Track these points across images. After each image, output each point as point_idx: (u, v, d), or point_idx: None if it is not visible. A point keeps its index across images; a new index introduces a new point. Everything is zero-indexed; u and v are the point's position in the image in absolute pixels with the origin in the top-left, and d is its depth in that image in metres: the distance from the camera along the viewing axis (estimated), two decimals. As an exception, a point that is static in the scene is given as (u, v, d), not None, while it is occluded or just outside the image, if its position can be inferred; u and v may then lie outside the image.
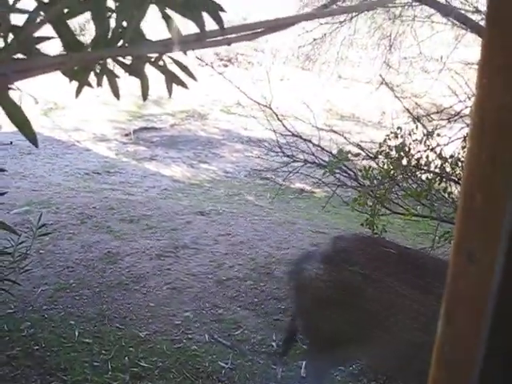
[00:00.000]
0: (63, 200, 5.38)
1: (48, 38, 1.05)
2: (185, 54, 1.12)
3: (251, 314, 3.71)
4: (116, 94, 1.16)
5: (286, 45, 15.53)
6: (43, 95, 11.53)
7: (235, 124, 11.42)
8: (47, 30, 1.03)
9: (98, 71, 1.07)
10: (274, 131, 4.75)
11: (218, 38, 1.03)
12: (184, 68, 1.14)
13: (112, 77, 1.11)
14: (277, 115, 4.81)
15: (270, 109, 4.58)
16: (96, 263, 4.28)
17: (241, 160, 8.93)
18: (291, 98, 10.88)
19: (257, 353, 3.35)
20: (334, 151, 4.41)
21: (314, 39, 7.96)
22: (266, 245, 4.75)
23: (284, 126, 4.76)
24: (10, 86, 1.03)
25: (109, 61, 1.12)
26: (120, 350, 3.27)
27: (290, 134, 4.80)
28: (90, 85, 1.14)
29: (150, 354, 3.25)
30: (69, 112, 11.36)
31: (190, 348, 3.33)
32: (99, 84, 1.12)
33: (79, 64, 1.04)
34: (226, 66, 15.70)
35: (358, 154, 3.83)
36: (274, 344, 3.42)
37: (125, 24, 1.06)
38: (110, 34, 1.06)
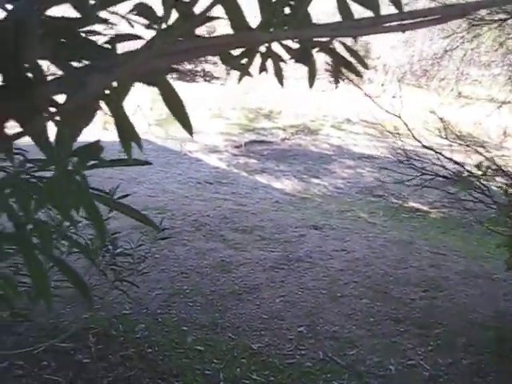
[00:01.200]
0: (178, 207, 5.44)
1: (217, 18, 0.97)
2: (355, 40, 1.01)
3: (367, 333, 3.54)
4: (280, 79, 1.07)
5: (398, 61, 15.23)
6: (158, 106, 11.90)
7: (346, 140, 11.29)
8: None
9: (262, 53, 0.98)
10: (402, 147, 4.53)
11: (393, 24, 0.90)
12: (355, 54, 1.03)
13: (277, 60, 1.02)
14: (392, 132, 4.62)
15: (382, 125, 4.38)
16: (209, 271, 4.27)
17: (352, 176, 8.75)
18: (404, 115, 10.62)
19: (373, 375, 3.17)
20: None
21: (435, 54, 7.68)
22: (383, 263, 4.56)
23: (400, 140, 4.55)
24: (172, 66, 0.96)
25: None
26: (232, 360, 3.19)
27: (402, 152, 4.58)
28: (249, 74, 1.06)
29: (262, 367, 3.16)
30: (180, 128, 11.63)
31: (303, 364, 3.20)
32: (263, 69, 1.03)
33: (246, 45, 0.96)
34: (337, 81, 15.59)
35: (497, 170, 3.56)
36: (391, 368, 3.23)
37: (287, 9, 0.97)
38: (275, 17, 0.96)
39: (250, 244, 4.84)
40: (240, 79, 1.05)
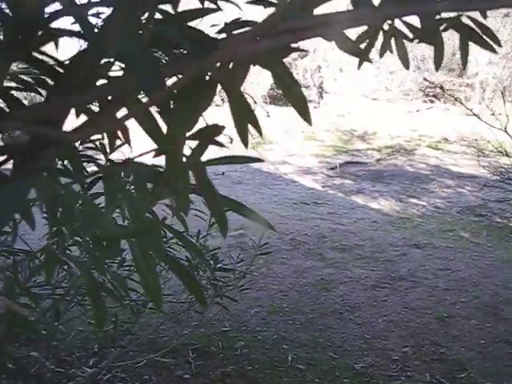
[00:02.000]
0: (275, 226, 5.39)
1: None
2: (484, 16, 0.93)
3: (477, 356, 3.33)
4: (405, 62, 1.00)
5: (496, 78, 14.68)
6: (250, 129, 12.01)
7: (444, 160, 10.94)
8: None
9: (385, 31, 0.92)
10: (505, 165, 4.31)
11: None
12: (486, 30, 0.95)
13: (401, 41, 0.95)
14: (494, 150, 4.40)
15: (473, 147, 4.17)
16: (309, 289, 4.19)
17: (452, 196, 8.43)
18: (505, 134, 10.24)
19: (486, 401, 2.99)
20: None
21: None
22: (491, 283, 4.31)
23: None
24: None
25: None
26: (334, 380, 3.09)
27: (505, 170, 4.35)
28: (369, 59, 0.99)
29: (366, 388, 3.05)
30: (275, 146, 11.72)
31: (410, 387, 3.06)
32: (385, 49, 0.97)
33: (369, 22, 0.90)
34: (432, 101, 15.27)
35: None
36: (507, 394, 3.03)
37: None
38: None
39: (349, 262, 4.73)
40: (359, 65, 0.99)
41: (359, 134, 13.06)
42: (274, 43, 0.84)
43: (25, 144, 0.76)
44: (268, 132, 11.43)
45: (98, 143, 1.50)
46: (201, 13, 0.93)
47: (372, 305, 3.95)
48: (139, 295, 2.71)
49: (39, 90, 0.86)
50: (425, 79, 12.54)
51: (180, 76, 0.80)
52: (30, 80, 0.93)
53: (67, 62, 0.83)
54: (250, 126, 0.90)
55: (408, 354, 3.34)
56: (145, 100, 0.86)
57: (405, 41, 1.06)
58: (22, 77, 0.93)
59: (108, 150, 1.15)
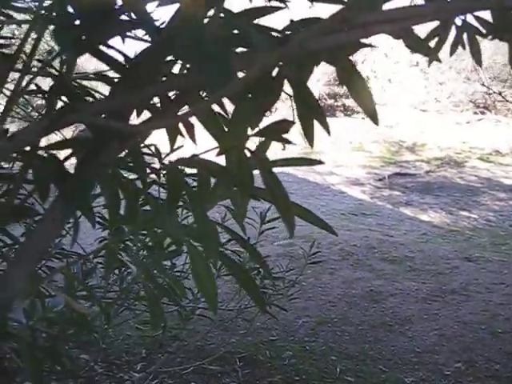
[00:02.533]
0: (323, 236, 5.34)
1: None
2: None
3: (533, 374, 3.22)
4: (478, 59, 0.96)
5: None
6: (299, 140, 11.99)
7: (495, 172, 10.70)
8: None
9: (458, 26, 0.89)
10: None
11: None
12: None
13: (473, 36, 0.92)
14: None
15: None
16: (358, 300, 4.13)
17: (504, 209, 8.23)
18: None
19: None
20: None
21: None
22: (549, 298, 4.18)
23: None
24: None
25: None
26: (384, 394, 3.03)
27: None
28: (438, 59, 0.96)
29: (417, 402, 2.97)
30: (323, 157, 11.65)
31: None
32: (457, 44, 0.93)
33: (441, 17, 0.87)
34: (483, 113, 14.98)
35: None
36: None
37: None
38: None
39: (400, 274, 4.65)
40: (429, 63, 0.95)
41: (408, 146, 12.90)
42: (342, 39, 0.81)
43: (90, 138, 0.75)
44: (315, 142, 11.38)
45: (152, 148, 1.50)
46: (267, 10, 0.91)
47: (423, 318, 3.86)
48: (188, 301, 2.71)
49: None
50: (483, 84, 12.29)
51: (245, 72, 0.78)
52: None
53: (133, 58, 0.82)
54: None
55: (461, 369, 3.25)
56: (207, 98, 0.85)
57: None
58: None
59: (160, 154, 1.15)
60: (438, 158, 11.81)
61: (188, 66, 0.83)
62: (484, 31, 0.90)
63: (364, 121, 14.12)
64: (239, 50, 0.85)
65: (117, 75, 0.81)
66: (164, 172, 0.83)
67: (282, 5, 0.94)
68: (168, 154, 0.98)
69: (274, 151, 0.95)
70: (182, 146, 0.96)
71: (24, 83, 0.84)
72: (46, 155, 0.78)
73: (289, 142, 0.79)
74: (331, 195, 9.03)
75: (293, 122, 0.76)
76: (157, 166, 1.03)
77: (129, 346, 3.32)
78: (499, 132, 12.99)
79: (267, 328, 3.62)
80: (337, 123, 12.96)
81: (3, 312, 0.86)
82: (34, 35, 0.90)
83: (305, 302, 4.05)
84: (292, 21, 0.92)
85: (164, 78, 0.83)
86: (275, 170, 0.88)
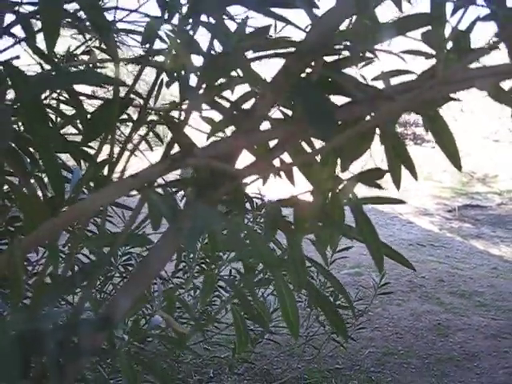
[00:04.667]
0: (391, 267, 5.32)
1: (495, 47, 0.95)
2: None
3: None
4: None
5: None
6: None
7: None
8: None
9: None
10: None
11: None
12: None
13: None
14: None
15: None
16: (425, 333, 4.10)
17: None
18: None
19: None
20: None
21: None
22: None
23: None
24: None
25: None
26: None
27: None
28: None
29: None
30: (392, 185, 11.53)
31: None
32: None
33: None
34: None
35: None
36: None
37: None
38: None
39: (469, 309, 4.59)
40: None
41: (479, 177, 12.66)
42: (435, 94, 0.89)
43: (203, 178, 0.85)
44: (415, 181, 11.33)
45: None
46: (358, 61, 0.99)
47: (492, 355, 3.80)
48: (257, 325, 2.78)
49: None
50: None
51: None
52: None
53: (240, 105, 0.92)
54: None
55: (529, 409, 3.19)
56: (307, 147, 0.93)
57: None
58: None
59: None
60: (510, 191, 11.53)
61: (291, 114, 0.92)
62: None
63: (434, 150, 13.96)
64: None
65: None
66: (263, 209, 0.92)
67: (373, 56, 1.02)
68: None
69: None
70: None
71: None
72: (161, 191, 0.88)
73: (380, 188, 0.86)
74: (399, 225, 8.96)
75: (386, 171, 0.84)
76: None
77: (197, 366, 3.41)
78: None
79: (333, 356, 3.65)
80: (444, 153, 12.84)
81: (111, 328, 0.96)
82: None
83: (372, 332, 4.06)
84: (383, 72, 1.00)
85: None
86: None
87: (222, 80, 0.89)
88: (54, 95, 1.32)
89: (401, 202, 1.13)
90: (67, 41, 1.60)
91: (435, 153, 13.14)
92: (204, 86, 0.83)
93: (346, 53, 1.04)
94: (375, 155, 1.35)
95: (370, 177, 0.83)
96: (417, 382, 3.44)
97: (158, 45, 1.00)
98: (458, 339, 4.02)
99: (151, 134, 1.13)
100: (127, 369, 1.07)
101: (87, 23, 1.14)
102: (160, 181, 0.86)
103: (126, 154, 1.05)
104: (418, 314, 4.44)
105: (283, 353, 3.58)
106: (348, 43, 0.87)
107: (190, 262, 1.73)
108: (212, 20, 0.89)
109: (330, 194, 0.91)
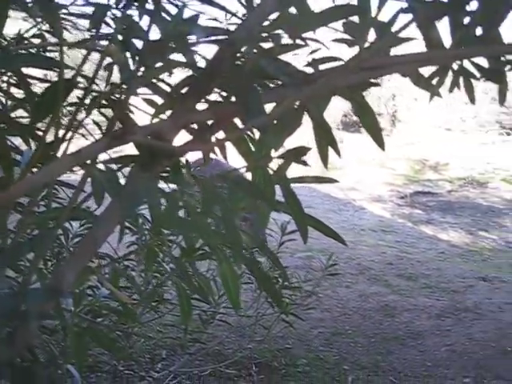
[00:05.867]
0: (341, 250, 5.47)
1: (412, 39, 1.04)
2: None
3: (541, 392, 3.30)
4: (472, 97, 1.11)
5: None
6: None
7: (520, 194, 10.70)
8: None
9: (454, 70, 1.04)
10: None
11: None
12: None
13: (468, 80, 1.06)
14: None
15: None
16: (372, 314, 4.24)
17: (526, 231, 8.27)
18: None
19: None
20: None
21: None
22: (560, 320, 4.25)
23: None
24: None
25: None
26: (392, 404, 3.14)
27: None
28: (439, 94, 1.11)
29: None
30: (346, 172, 11.74)
31: (469, 417, 3.07)
32: (454, 85, 1.08)
33: (439, 62, 1.02)
34: (508, 134, 14.96)
35: None
36: None
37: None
38: (468, 37, 1.01)
39: (415, 291, 4.76)
40: (430, 99, 1.10)
41: (431, 164, 12.92)
42: (358, 79, 0.97)
43: (141, 155, 0.92)
44: (339, 158, 11.46)
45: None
46: (291, 47, 1.07)
47: (435, 333, 3.96)
48: (209, 306, 2.85)
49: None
50: (503, 105, 12.29)
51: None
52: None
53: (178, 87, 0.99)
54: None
55: (469, 384, 3.35)
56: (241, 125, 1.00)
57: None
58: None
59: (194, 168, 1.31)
60: (460, 178, 11.81)
61: (225, 97, 0.99)
62: (478, 74, 1.04)
63: (389, 138, 14.21)
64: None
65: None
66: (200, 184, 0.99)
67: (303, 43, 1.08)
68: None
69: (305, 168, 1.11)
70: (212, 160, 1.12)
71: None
72: (103, 168, 0.94)
73: (306, 164, 0.94)
74: (352, 211, 9.14)
75: (309, 149, 0.91)
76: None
77: (150, 348, 3.45)
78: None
79: (283, 336, 3.74)
80: (361, 139, 13.04)
81: (56, 298, 1.01)
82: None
83: (321, 313, 4.17)
84: (313, 59, 1.07)
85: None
86: (301, 185, 1.04)
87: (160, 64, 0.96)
88: (5, 78, 1.35)
89: (332, 180, 1.21)
90: (19, 23, 1.62)
91: (389, 141, 13.39)
92: (142, 69, 0.89)
93: (283, 41, 1.11)
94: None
95: (296, 154, 0.90)
96: (363, 360, 3.56)
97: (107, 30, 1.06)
98: (403, 319, 4.18)
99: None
100: (75, 340, 1.12)
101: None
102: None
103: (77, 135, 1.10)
104: (366, 295, 4.59)
105: (234, 333, 3.66)
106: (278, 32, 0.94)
107: (142, 243, 1.78)
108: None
109: (262, 172, 0.99)
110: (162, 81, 0.98)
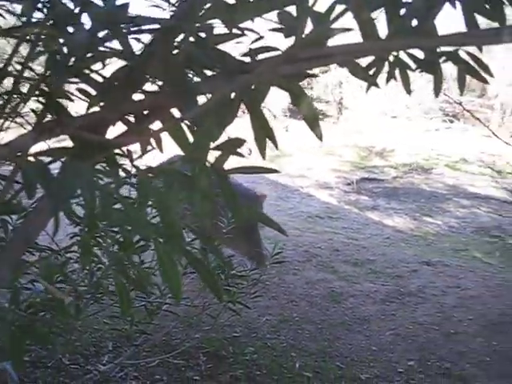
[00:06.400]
0: (289, 238, 5.50)
1: (349, 29, 1.04)
2: (480, 50, 1.05)
3: (482, 373, 3.40)
4: (407, 89, 1.13)
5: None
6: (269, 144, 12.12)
7: (461, 180, 10.95)
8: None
9: (391, 62, 1.05)
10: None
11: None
12: (480, 62, 1.07)
13: (405, 70, 1.08)
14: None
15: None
16: (319, 300, 4.29)
17: (467, 216, 8.49)
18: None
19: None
20: None
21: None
22: (500, 302, 4.38)
23: None
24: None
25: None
26: (339, 389, 3.19)
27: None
28: (377, 84, 1.11)
29: (371, 398, 3.14)
30: (294, 159, 11.80)
31: (413, 399, 3.15)
32: (390, 77, 1.09)
33: (375, 53, 1.02)
34: (451, 121, 15.32)
35: None
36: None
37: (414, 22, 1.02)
38: (404, 28, 1.01)
39: (360, 276, 4.84)
40: (367, 90, 1.11)
41: (377, 151, 13.11)
42: (294, 69, 0.96)
43: (75, 147, 0.89)
44: (286, 145, 11.52)
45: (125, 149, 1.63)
46: (229, 37, 1.05)
47: (380, 318, 4.04)
48: (155, 297, 2.82)
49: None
50: (445, 94, 12.55)
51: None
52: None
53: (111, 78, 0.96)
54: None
55: (413, 367, 3.42)
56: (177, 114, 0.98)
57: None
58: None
59: (133, 157, 1.28)
60: (405, 164, 12.02)
61: (159, 87, 0.97)
62: (414, 66, 1.06)
63: (336, 125, 14.36)
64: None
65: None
66: (136, 177, 0.97)
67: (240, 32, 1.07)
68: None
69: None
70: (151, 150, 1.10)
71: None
72: (34, 160, 0.91)
73: (241, 156, 0.93)
74: (299, 198, 9.19)
75: (244, 140, 0.90)
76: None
77: (96, 340, 3.41)
78: (467, 140, 13.30)
79: (231, 325, 3.75)
80: (307, 127, 13.10)
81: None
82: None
83: (268, 301, 4.19)
84: (251, 49, 1.06)
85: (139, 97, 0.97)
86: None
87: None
88: None
89: (275, 171, 1.20)
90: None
91: (336, 128, 13.53)
92: (73, 59, 0.87)
93: (221, 30, 1.09)
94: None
95: (231, 145, 0.90)
96: (310, 347, 3.60)
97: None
98: (349, 305, 4.24)
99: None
100: (10, 338, 1.09)
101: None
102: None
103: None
104: (313, 282, 4.63)
105: (181, 323, 3.64)
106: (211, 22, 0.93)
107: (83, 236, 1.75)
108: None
109: (198, 162, 0.97)
110: (97, 72, 0.95)
